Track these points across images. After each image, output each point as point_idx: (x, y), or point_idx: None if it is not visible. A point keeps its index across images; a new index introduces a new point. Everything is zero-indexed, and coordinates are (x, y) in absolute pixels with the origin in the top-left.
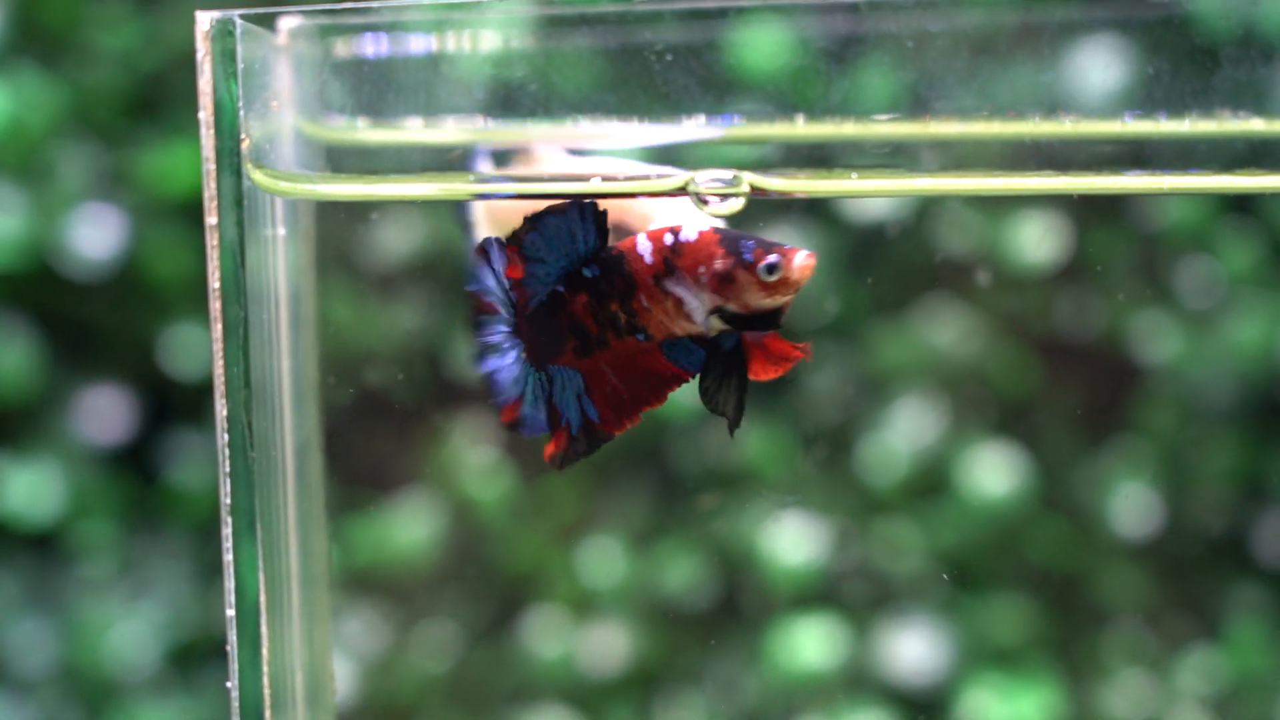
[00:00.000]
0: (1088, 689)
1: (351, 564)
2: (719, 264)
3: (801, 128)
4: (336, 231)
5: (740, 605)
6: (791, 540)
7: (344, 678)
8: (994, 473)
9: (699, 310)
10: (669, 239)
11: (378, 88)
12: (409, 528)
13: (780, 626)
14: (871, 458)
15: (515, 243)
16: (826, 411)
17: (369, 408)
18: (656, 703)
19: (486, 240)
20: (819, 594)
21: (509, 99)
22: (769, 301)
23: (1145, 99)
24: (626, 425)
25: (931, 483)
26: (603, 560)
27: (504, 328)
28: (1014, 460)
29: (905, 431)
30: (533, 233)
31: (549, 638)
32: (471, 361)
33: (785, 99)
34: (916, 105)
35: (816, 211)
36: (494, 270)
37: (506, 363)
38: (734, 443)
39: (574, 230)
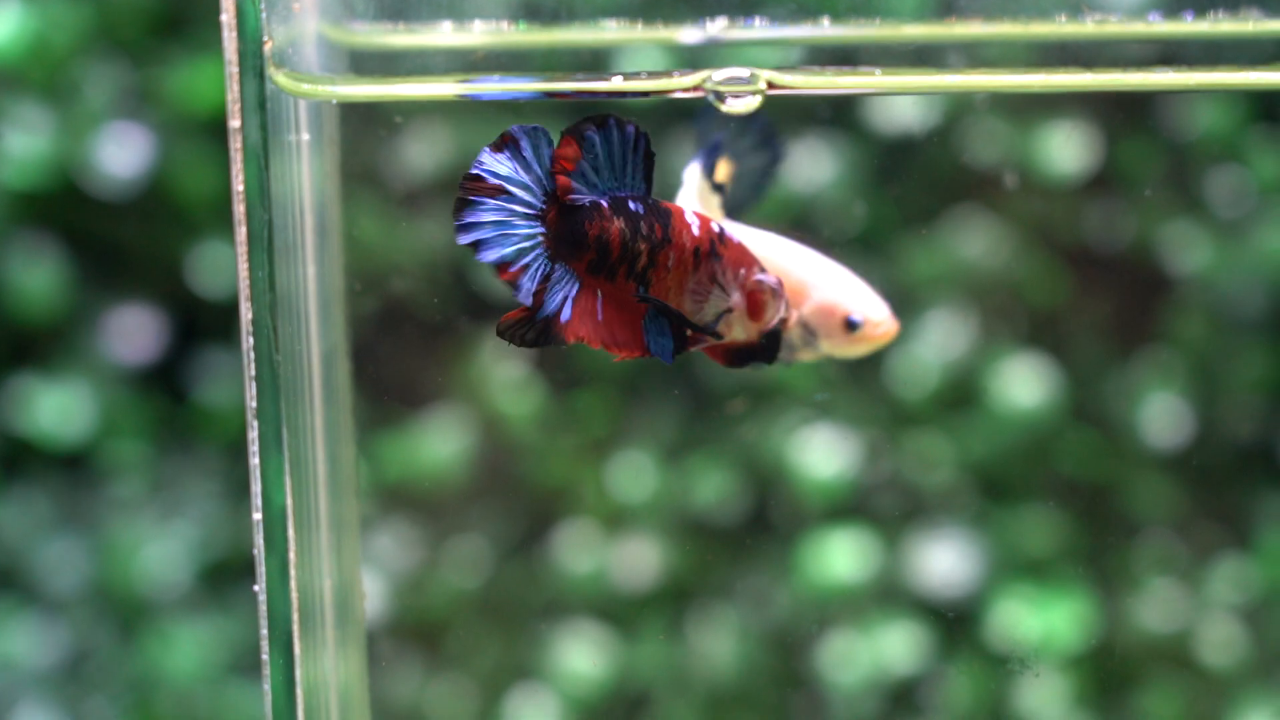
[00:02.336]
0: (1118, 599)
1: (381, 479)
2: (760, 277)
3: (826, 30)
4: (361, 137)
5: (771, 519)
6: (822, 453)
7: (375, 594)
8: (1024, 384)
9: (718, 303)
10: (717, 228)
11: None
12: (439, 443)
13: (811, 540)
14: (901, 370)
15: (576, 138)
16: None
17: (396, 319)
18: (688, 617)
19: (520, 128)
20: (850, 507)
21: (533, 3)
22: (771, 327)
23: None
24: (584, 340)
25: (962, 394)
26: (633, 475)
27: (512, 207)
28: (1044, 371)
29: (935, 343)
30: (596, 135)
31: (580, 553)
32: (459, 233)
33: (808, 2)
34: (942, 7)
35: (842, 121)
36: (523, 156)
37: (509, 236)
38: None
39: (627, 160)
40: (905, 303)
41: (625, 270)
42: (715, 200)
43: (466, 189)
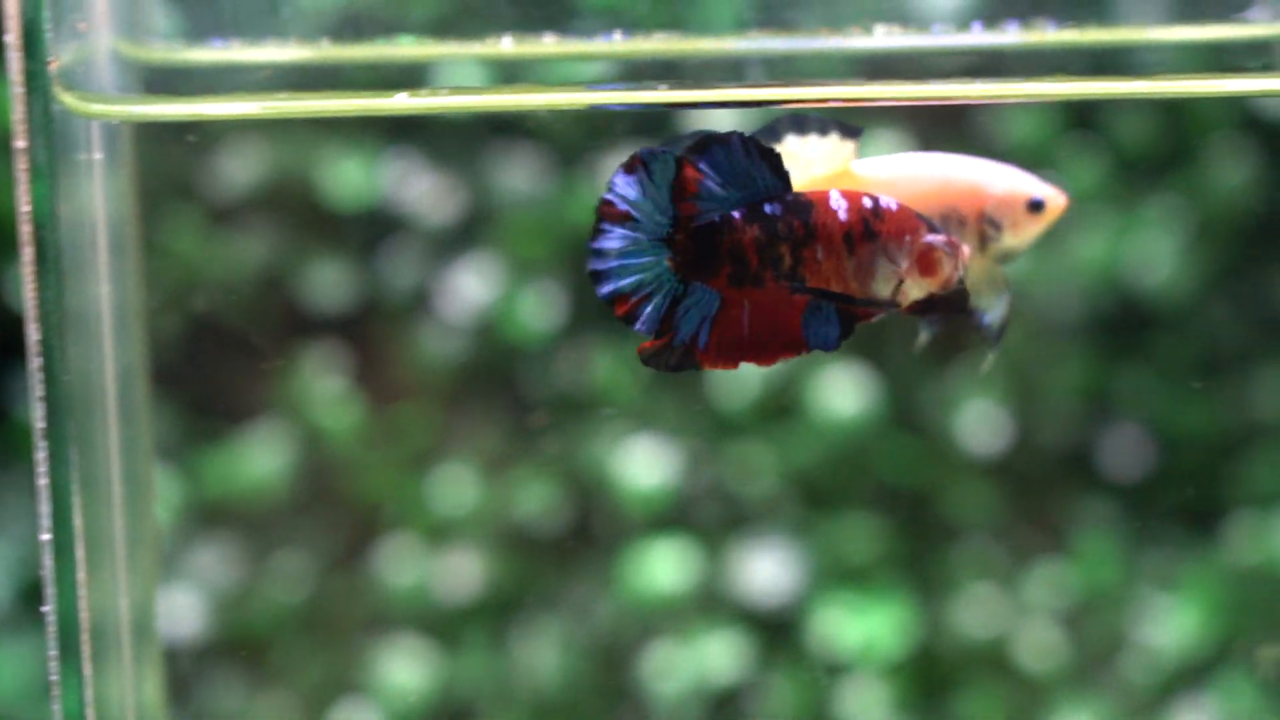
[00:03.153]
0: (938, 604)
1: (201, 496)
2: (929, 238)
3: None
4: (159, 155)
5: (593, 530)
6: (644, 464)
7: (196, 611)
8: (844, 393)
9: (887, 276)
10: (868, 203)
11: (200, 8)
12: (259, 459)
13: (633, 550)
14: (723, 379)
15: (694, 164)
16: None
17: (209, 336)
18: (511, 628)
19: (648, 151)
20: (671, 517)
21: (349, 20)
22: (953, 282)
23: (989, 10)
24: (720, 366)
25: (783, 403)
26: (455, 487)
27: (638, 235)
28: (863, 380)
29: None
30: (706, 157)
31: (402, 566)
32: (591, 260)
33: (628, 18)
34: (763, 20)
35: (657, 132)
36: (651, 180)
37: (633, 266)
38: (584, 367)
39: (749, 167)
40: None
41: (772, 274)
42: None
43: (600, 215)
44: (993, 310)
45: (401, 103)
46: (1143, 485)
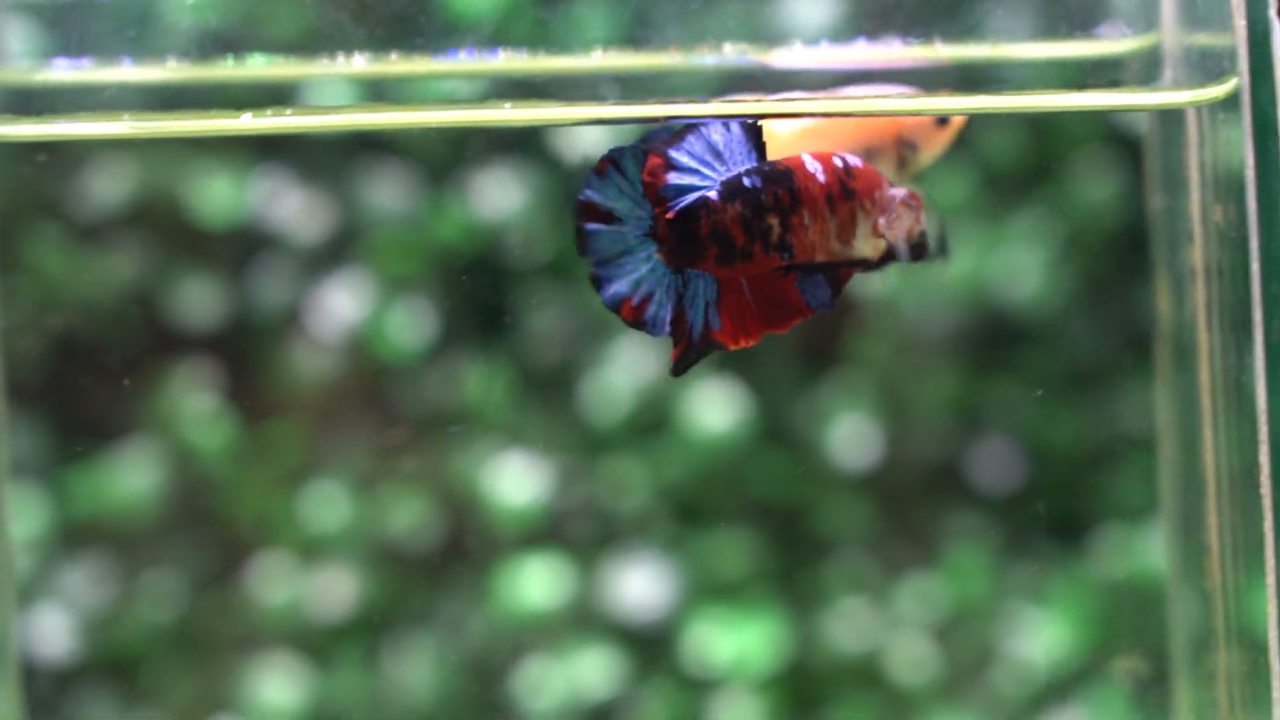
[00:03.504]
0: (811, 618)
1: (70, 515)
2: (892, 192)
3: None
4: (12, 176)
5: (466, 546)
6: (516, 480)
7: (65, 631)
8: (716, 408)
9: (866, 234)
10: (839, 162)
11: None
12: (128, 477)
13: (506, 566)
14: (594, 395)
15: (658, 153)
16: (548, 351)
17: (76, 355)
18: (384, 645)
19: (618, 149)
20: (544, 533)
21: (210, 38)
22: (915, 234)
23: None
24: (744, 342)
25: (654, 419)
26: (327, 505)
27: (622, 232)
28: (735, 395)
29: (627, 369)
30: (678, 145)
31: (275, 584)
32: (589, 265)
33: (500, 36)
34: (631, 40)
35: (530, 149)
36: (624, 177)
37: (627, 264)
38: (454, 384)
39: (724, 145)
40: (595, 330)
41: (761, 247)
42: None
43: (581, 219)
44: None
45: (246, 123)
46: (1012, 498)
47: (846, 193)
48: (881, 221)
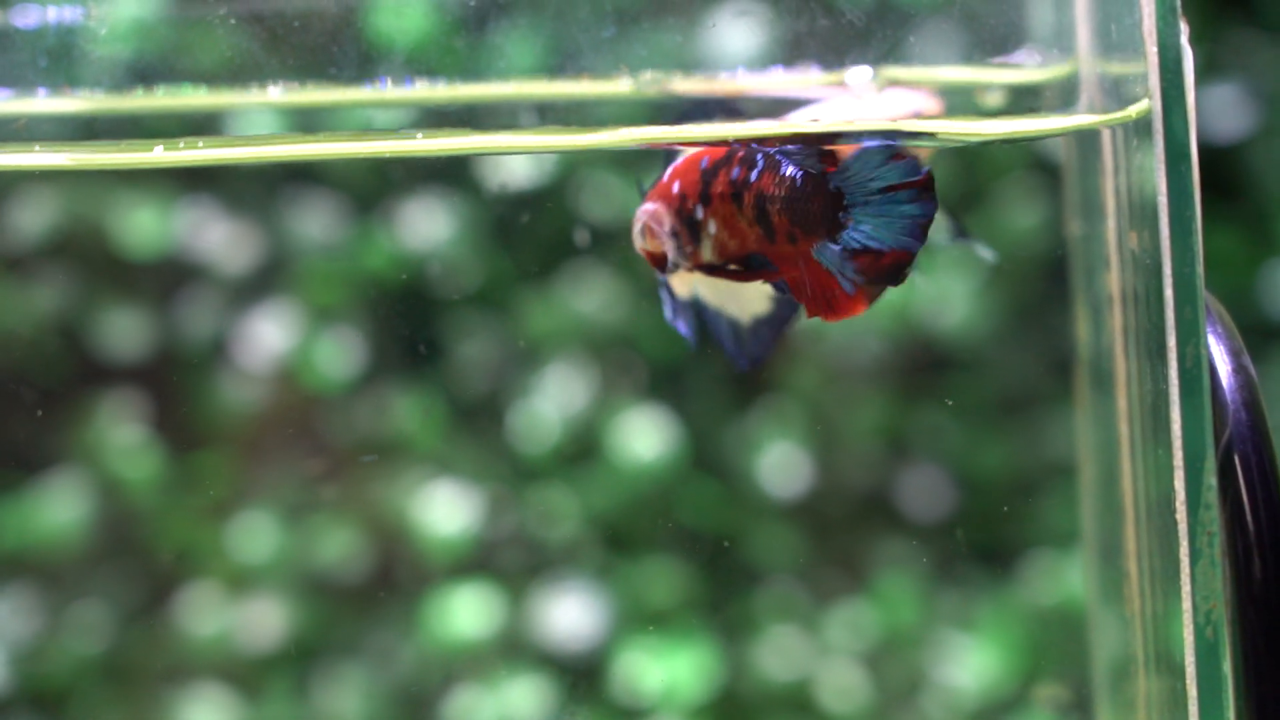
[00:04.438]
0: (741, 647)
1: None
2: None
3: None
4: None
5: (395, 576)
6: (445, 510)
7: None
8: (644, 436)
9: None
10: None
11: None
12: (55, 509)
13: (436, 596)
14: (523, 425)
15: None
16: (476, 380)
17: (2, 387)
18: (314, 676)
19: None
20: (474, 563)
21: (130, 70)
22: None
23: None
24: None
25: (583, 448)
26: (255, 535)
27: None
28: (664, 423)
29: (555, 398)
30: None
31: (203, 615)
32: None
33: (425, 64)
34: (556, 68)
35: (456, 179)
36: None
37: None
38: (383, 413)
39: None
40: (524, 358)
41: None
42: None
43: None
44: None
45: (159, 155)
46: (941, 525)
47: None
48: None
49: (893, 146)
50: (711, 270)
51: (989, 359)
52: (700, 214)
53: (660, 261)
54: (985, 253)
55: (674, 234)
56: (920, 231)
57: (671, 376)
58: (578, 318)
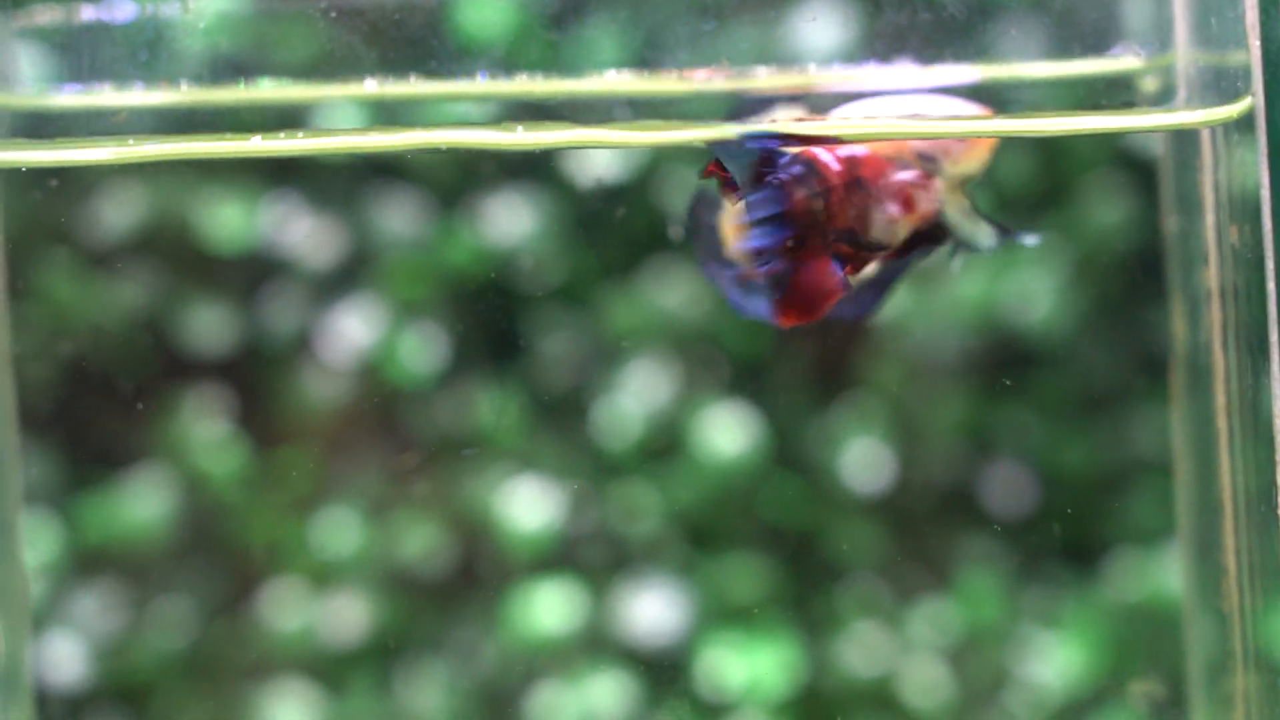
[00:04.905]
0: (824, 643)
1: (83, 543)
2: (905, 175)
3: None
4: (24, 201)
5: (478, 572)
6: (528, 506)
7: (77, 658)
8: (727, 433)
9: (883, 221)
10: (842, 153)
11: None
12: (140, 505)
13: (518, 592)
14: (606, 421)
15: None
16: (559, 375)
17: (87, 381)
18: (397, 672)
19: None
20: (556, 559)
21: (223, 64)
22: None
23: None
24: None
25: (666, 444)
26: (339, 531)
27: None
28: (746, 420)
29: (638, 394)
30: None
31: (287, 611)
32: None
33: (512, 59)
34: (643, 63)
35: (540, 174)
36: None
37: None
38: (467, 408)
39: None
40: (607, 354)
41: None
42: None
43: None
44: (980, 231)
45: (257, 145)
46: (1025, 522)
47: (857, 182)
48: (893, 209)
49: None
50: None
51: (1075, 355)
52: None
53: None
54: (1030, 240)
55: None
56: None
57: (754, 372)
58: (661, 313)
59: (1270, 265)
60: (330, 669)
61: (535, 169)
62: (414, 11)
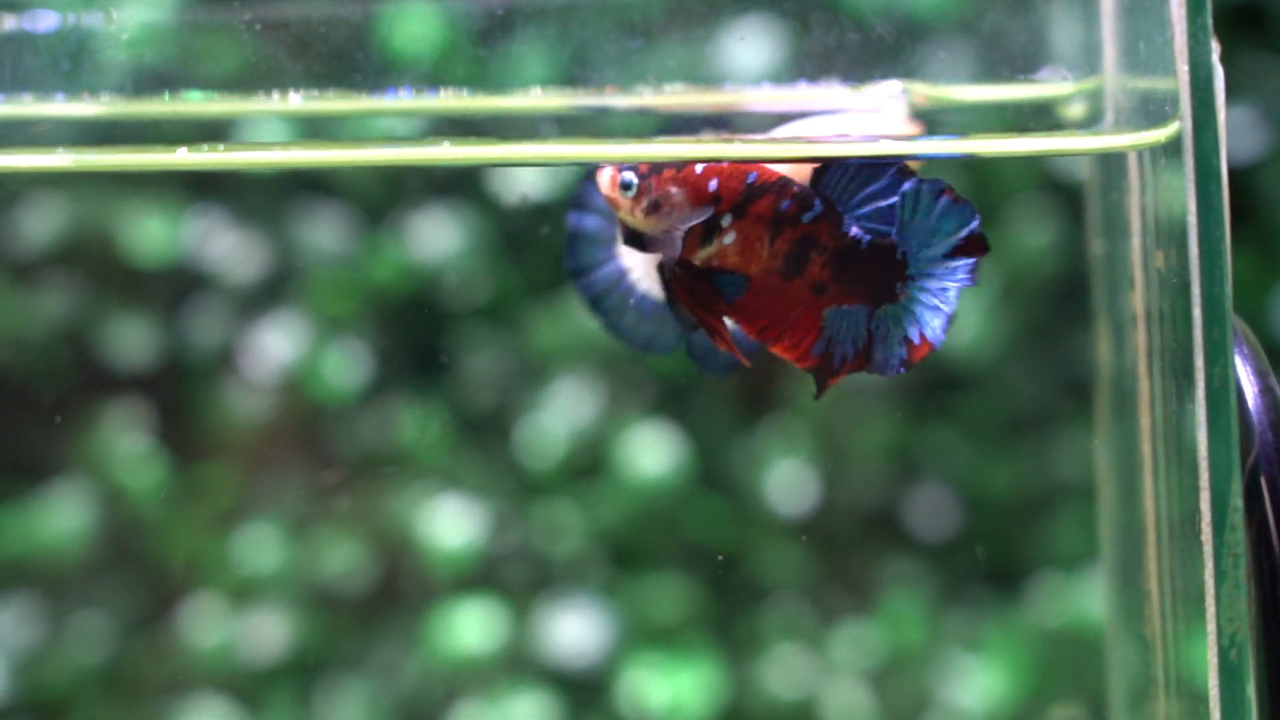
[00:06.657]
0: (746, 664)
1: (0, 556)
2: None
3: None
4: None
5: (400, 589)
6: (450, 523)
7: None
8: (651, 452)
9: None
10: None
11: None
12: (59, 518)
13: (440, 610)
14: (529, 439)
15: None
16: (483, 393)
17: (7, 394)
18: (316, 688)
19: None
20: (479, 577)
21: (147, 75)
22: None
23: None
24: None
25: (590, 463)
26: (259, 546)
27: None
28: (671, 440)
29: (563, 413)
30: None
31: (206, 626)
32: None
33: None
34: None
35: (465, 191)
36: None
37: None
38: (390, 425)
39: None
40: (531, 372)
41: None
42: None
43: None
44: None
45: (182, 158)
46: (948, 545)
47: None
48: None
49: (939, 183)
50: (687, 271)
51: (1000, 378)
52: (727, 221)
53: (632, 233)
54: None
55: (668, 214)
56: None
57: (679, 393)
58: (586, 332)
59: (1196, 290)
60: (249, 686)
61: (461, 185)
62: (340, 25)
